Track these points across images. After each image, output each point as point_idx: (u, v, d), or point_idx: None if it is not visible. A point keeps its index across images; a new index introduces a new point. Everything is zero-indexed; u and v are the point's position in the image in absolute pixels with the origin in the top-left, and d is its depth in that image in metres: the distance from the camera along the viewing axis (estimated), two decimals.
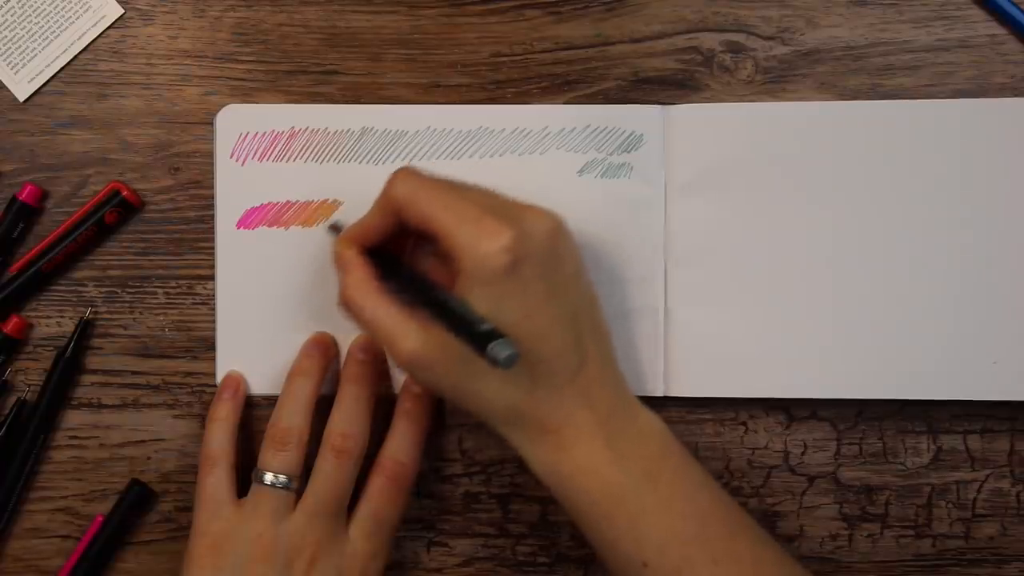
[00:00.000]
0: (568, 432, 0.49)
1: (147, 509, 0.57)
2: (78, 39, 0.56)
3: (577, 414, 0.49)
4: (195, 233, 0.57)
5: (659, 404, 0.54)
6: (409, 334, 0.48)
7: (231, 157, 0.56)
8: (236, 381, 0.56)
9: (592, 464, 0.49)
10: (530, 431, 0.49)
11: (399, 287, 0.49)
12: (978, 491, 0.56)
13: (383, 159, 0.56)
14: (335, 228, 0.54)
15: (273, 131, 0.56)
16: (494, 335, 0.43)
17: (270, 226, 0.56)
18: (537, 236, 0.47)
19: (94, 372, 0.57)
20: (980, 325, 0.54)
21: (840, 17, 0.56)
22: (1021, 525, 0.56)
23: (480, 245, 0.46)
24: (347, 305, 0.49)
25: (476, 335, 0.43)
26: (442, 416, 0.57)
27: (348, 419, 0.53)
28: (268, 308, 0.56)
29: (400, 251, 0.52)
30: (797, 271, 0.55)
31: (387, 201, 0.49)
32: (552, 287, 0.48)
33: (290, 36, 0.57)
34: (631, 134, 0.55)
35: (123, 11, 0.57)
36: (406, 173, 0.49)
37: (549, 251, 0.48)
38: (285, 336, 0.56)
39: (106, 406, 0.57)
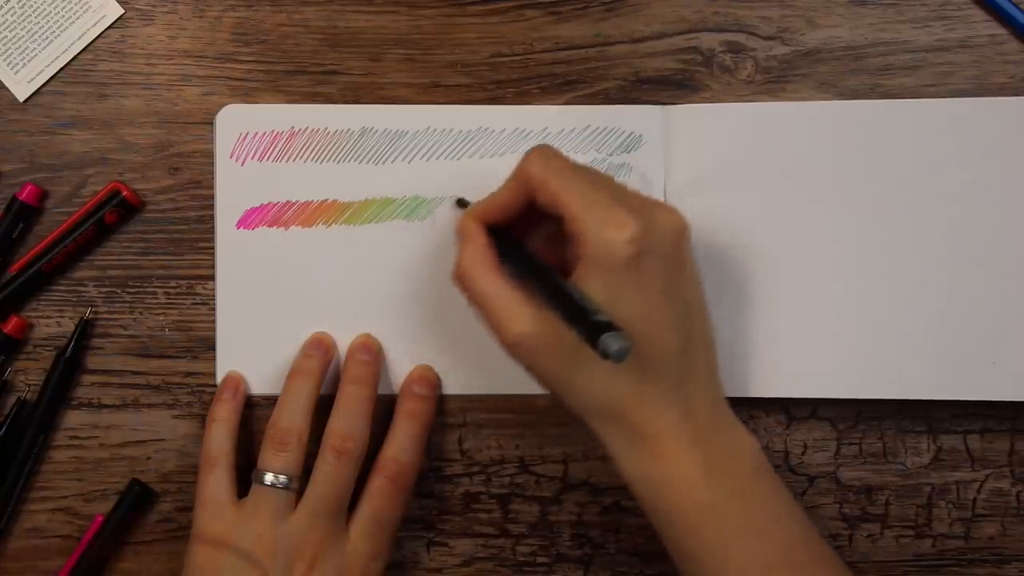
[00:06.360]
0: (665, 441, 0.48)
1: (147, 509, 0.57)
2: (78, 39, 0.56)
3: (676, 422, 0.48)
4: (195, 233, 0.57)
5: None
6: (521, 315, 0.47)
7: (231, 157, 0.56)
8: (236, 381, 0.56)
9: (685, 478, 0.47)
10: (626, 432, 0.48)
11: (514, 269, 0.49)
12: (978, 491, 0.56)
13: (383, 159, 0.56)
14: (462, 203, 0.54)
15: (273, 131, 0.56)
16: (609, 326, 0.42)
17: (270, 226, 0.56)
18: (663, 233, 0.47)
19: (94, 372, 0.57)
20: (980, 325, 0.54)
21: (840, 17, 0.56)
22: (1021, 525, 0.56)
23: (606, 233, 0.45)
24: (461, 277, 0.49)
25: (590, 324, 0.42)
26: (442, 416, 0.57)
27: (348, 419, 0.53)
28: (268, 308, 0.56)
29: (517, 235, 0.51)
30: (797, 271, 0.55)
31: (521, 177, 0.48)
32: (670, 287, 0.47)
33: (290, 36, 0.57)
34: (631, 134, 0.55)
35: (123, 11, 0.57)
36: (543, 151, 0.48)
37: (673, 250, 0.47)
38: (285, 336, 0.56)
39: (106, 406, 0.57)
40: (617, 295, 0.46)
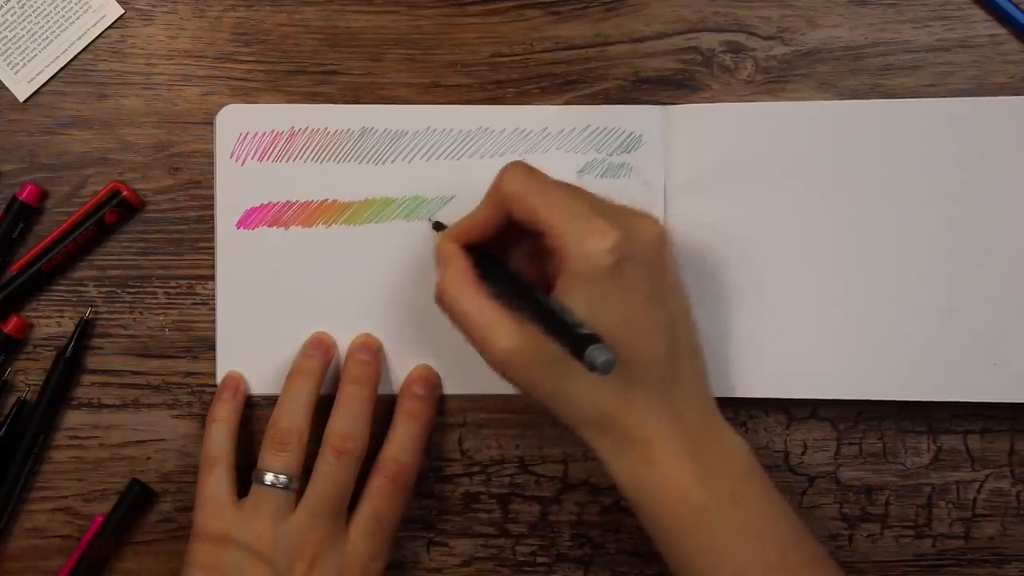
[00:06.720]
0: (656, 446, 0.48)
1: (147, 509, 0.57)
2: (78, 39, 0.56)
3: (666, 427, 0.48)
4: (195, 233, 0.57)
5: None
6: (504, 332, 0.47)
7: (231, 157, 0.56)
8: (236, 381, 0.56)
9: (678, 482, 0.48)
10: (616, 440, 0.48)
11: (496, 287, 0.49)
12: (978, 491, 0.56)
13: (383, 159, 0.56)
14: (439, 225, 0.54)
15: (273, 131, 0.56)
16: (592, 339, 0.42)
17: (270, 226, 0.56)
18: (643, 241, 0.47)
19: (94, 372, 0.57)
20: (980, 326, 0.54)
21: (840, 17, 0.56)
22: (1021, 525, 0.56)
23: (586, 243, 0.46)
24: (443, 299, 0.49)
25: (574, 338, 0.43)
26: (442, 416, 0.57)
27: (348, 419, 0.53)
28: (268, 308, 0.56)
29: (497, 253, 0.52)
30: (797, 271, 0.55)
31: (496, 194, 0.49)
32: (653, 294, 0.47)
33: (290, 36, 0.57)
34: (631, 134, 0.55)
35: (123, 11, 0.57)
36: (517, 167, 0.49)
37: (654, 257, 0.48)
38: (285, 336, 0.56)
39: (106, 406, 0.57)
40: (600, 304, 0.46)
